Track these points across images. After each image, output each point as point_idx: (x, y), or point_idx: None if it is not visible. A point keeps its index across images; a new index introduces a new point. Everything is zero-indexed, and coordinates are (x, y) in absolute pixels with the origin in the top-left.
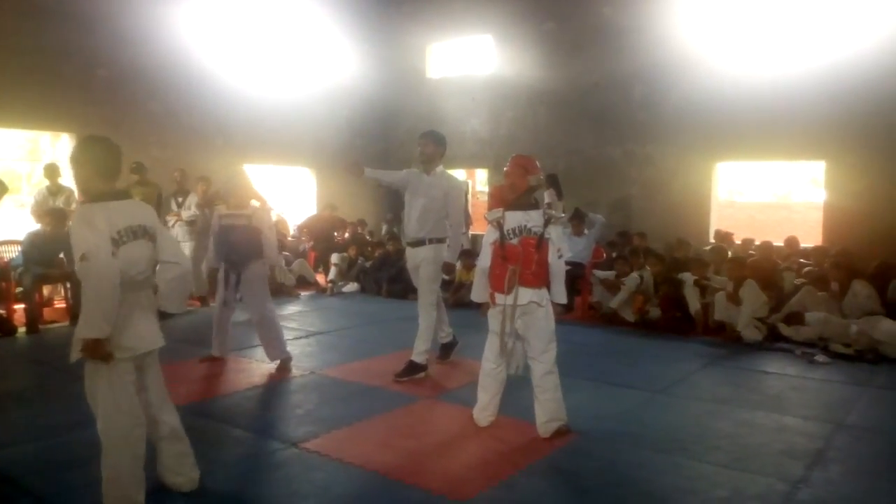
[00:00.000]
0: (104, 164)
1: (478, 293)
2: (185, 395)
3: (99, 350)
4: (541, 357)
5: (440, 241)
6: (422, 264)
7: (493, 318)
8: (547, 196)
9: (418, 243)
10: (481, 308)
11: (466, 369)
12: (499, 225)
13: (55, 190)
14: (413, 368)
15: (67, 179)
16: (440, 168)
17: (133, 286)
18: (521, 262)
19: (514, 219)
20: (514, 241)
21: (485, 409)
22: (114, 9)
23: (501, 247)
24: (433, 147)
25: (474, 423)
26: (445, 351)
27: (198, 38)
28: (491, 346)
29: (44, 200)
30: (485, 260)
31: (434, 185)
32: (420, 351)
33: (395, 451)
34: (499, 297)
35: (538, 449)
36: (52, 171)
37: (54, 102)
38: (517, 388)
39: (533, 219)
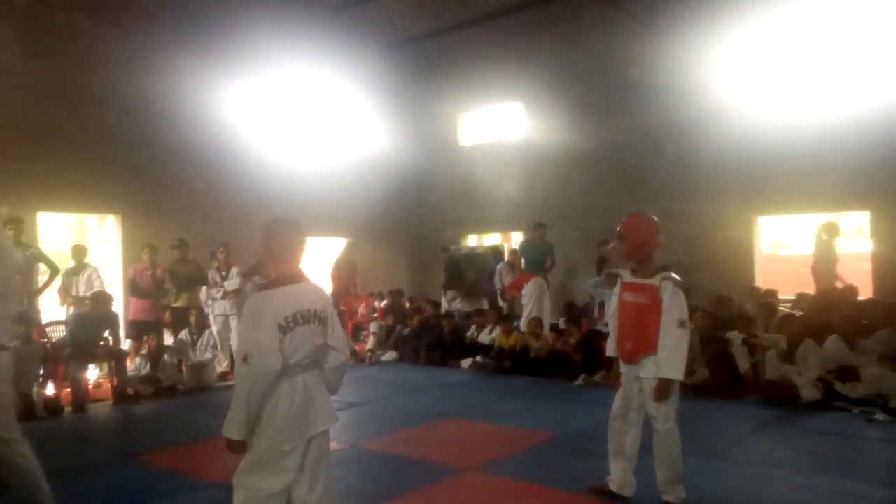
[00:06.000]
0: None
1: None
2: (223, 472)
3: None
4: None
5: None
6: None
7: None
8: None
9: None
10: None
11: (509, 437)
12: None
13: (78, 269)
14: None
15: (95, 258)
16: None
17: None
18: None
19: None
20: None
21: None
22: (156, 93)
23: None
24: None
25: (519, 496)
26: None
27: (237, 117)
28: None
29: (67, 280)
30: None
31: None
32: None
33: None
34: None
35: None
36: (77, 252)
37: (103, 186)
38: (554, 455)
39: None
